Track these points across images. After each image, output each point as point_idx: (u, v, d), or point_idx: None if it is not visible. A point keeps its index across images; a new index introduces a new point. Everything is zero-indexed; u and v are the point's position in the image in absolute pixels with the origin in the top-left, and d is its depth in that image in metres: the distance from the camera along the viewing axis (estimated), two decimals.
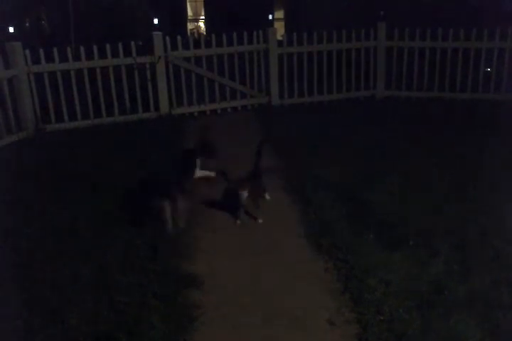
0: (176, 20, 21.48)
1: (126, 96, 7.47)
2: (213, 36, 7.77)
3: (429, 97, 8.06)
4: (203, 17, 27.10)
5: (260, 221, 4.36)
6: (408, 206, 4.30)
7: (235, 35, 7.76)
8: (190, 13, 27.46)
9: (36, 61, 6.89)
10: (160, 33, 7.44)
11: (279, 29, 14.65)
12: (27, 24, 20.59)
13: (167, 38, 7.41)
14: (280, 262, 3.75)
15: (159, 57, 7.39)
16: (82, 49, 7.07)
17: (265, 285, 3.48)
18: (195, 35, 23.54)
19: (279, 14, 22.56)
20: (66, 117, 7.21)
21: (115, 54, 7.23)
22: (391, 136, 6.18)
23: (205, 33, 24.15)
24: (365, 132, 6.37)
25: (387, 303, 3.07)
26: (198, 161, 4.36)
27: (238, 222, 4.38)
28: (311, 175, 5.09)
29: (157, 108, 7.65)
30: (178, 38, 7.50)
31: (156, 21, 21.09)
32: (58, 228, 4.16)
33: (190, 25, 27.40)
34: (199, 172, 4.36)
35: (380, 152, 5.65)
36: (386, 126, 6.63)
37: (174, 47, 7.52)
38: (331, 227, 4.03)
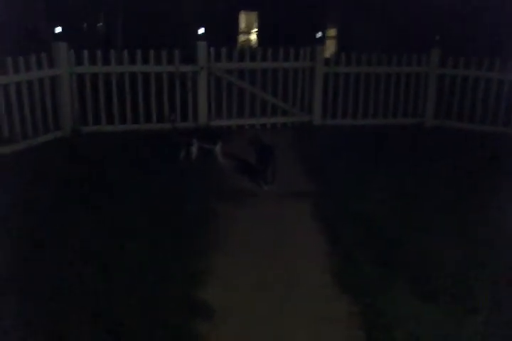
0: (227, 31, 21.53)
1: (166, 104, 7.34)
2: (259, 50, 7.58)
3: (482, 130, 7.57)
4: (256, 30, 27.14)
5: (266, 188, 5.26)
6: (448, 251, 3.92)
7: (281, 50, 7.56)
8: (243, 25, 27.58)
9: (80, 62, 6.86)
10: (204, 42, 7.29)
11: (330, 47, 14.42)
12: (85, 25, 21.08)
13: (211, 49, 7.26)
14: (300, 299, 3.45)
15: (202, 68, 7.23)
16: (125, 53, 7.00)
17: (281, 324, 3.18)
18: (246, 47, 23.53)
19: (332, 32, 22.34)
20: (104, 120, 7.12)
21: (159, 61, 7.13)
22: (438, 171, 5.75)
23: (255, 46, 24.12)
24: (409, 163, 5.97)
25: None
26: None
27: (265, 187, 5.27)
28: (344, 205, 4.78)
29: (195, 118, 7.49)
30: (223, 49, 7.34)
31: (204, 31, 21.15)
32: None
33: (241, 38, 27.50)
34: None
35: (422, 187, 5.26)
36: (433, 158, 6.21)
37: (219, 58, 7.36)
38: (359, 266, 3.70)
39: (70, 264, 3.61)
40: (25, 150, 6.05)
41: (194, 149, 6.12)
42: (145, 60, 7.10)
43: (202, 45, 7.22)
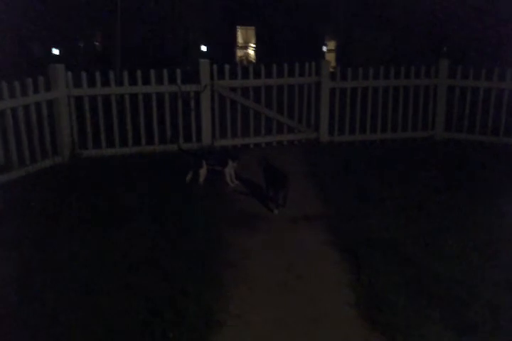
0: (225, 47, 21.43)
1: (168, 124, 7.09)
2: (262, 66, 7.35)
3: (493, 142, 7.33)
4: (253, 44, 27.07)
5: (276, 212, 4.99)
6: (482, 277, 3.63)
7: (285, 66, 7.33)
8: (240, 40, 27.50)
9: (79, 84, 6.63)
10: (207, 60, 7.06)
11: (331, 60, 14.23)
12: (81, 45, 20.94)
13: (214, 66, 7.03)
14: (324, 337, 3.15)
15: (205, 86, 7.00)
16: (125, 74, 6.77)
17: None
18: (244, 62, 23.41)
19: (331, 45, 22.21)
20: (104, 143, 6.87)
21: (160, 80, 6.90)
22: (455, 187, 5.48)
23: (254, 61, 24.01)
24: (422, 179, 5.72)
25: None
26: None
27: (276, 211, 5.00)
28: (364, 229, 4.50)
29: (199, 138, 7.23)
30: (226, 66, 7.11)
31: (205, 48, 21.05)
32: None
33: (239, 53, 27.40)
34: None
35: (443, 205, 4.98)
36: (449, 174, 5.95)
37: (221, 75, 7.13)
38: (387, 299, 3.40)
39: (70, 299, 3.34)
40: (23, 177, 5.75)
41: (203, 171, 5.78)
42: (146, 80, 6.87)
43: (204, 63, 6.99)
